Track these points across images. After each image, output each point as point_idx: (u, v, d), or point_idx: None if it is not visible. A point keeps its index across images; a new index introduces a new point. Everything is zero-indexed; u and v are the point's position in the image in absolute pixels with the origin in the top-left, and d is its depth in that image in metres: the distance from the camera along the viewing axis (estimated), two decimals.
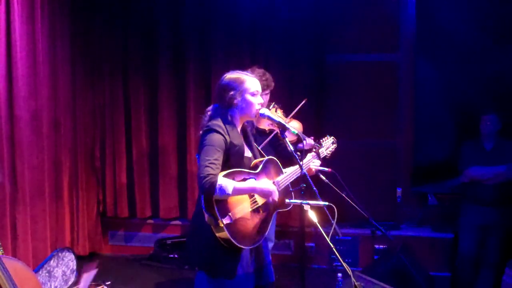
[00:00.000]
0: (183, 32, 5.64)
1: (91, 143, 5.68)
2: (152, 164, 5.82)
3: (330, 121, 5.54)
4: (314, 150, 3.32)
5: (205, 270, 2.85)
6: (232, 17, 5.49)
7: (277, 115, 4.15)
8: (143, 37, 5.68)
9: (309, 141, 3.80)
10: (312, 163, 3.24)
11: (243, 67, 4.15)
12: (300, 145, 3.92)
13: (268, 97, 4.12)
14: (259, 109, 2.93)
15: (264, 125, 4.08)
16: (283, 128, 2.98)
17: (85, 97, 5.52)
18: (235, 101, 2.87)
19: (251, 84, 2.91)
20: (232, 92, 2.87)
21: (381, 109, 5.62)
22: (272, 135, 4.02)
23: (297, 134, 3.05)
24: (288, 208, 3.01)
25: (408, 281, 4.20)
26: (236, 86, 2.88)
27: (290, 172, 3.04)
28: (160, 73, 5.69)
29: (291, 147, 2.92)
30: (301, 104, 4.24)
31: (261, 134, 4.07)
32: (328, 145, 3.46)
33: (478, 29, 5.19)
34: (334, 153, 3.49)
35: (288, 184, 3.04)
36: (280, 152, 3.92)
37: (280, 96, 4.57)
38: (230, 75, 2.95)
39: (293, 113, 4.22)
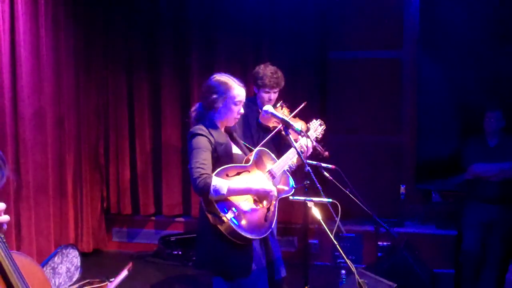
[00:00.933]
0: (186, 30, 5.63)
1: (95, 140, 5.68)
2: (155, 161, 5.82)
3: (334, 118, 5.53)
4: (301, 134, 3.10)
5: (220, 274, 2.83)
6: (235, 14, 5.47)
7: (283, 112, 4.13)
8: (146, 34, 5.68)
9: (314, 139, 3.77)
10: (303, 143, 3.10)
11: (246, 63, 4.16)
12: None
13: (276, 95, 4.11)
14: (237, 118, 2.90)
15: (270, 122, 4.06)
16: (287, 125, 2.98)
17: (88, 94, 5.53)
18: (216, 105, 2.85)
19: (238, 92, 2.87)
20: (215, 96, 2.84)
21: (385, 106, 5.61)
22: (275, 131, 3.99)
23: (300, 131, 3.04)
24: (291, 193, 2.98)
25: (412, 278, 4.20)
26: (221, 91, 2.85)
27: (284, 158, 3.03)
28: (164, 70, 5.69)
29: (294, 144, 2.92)
30: (300, 107, 4.22)
31: (265, 131, 4.06)
32: (315, 127, 3.46)
33: (482, 26, 5.16)
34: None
35: (285, 170, 3.02)
36: (282, 149, 3.90)
37: (283, 93, 4.55)
38: (219, 77, 2.91)
39: (293, 114, 4.21)
